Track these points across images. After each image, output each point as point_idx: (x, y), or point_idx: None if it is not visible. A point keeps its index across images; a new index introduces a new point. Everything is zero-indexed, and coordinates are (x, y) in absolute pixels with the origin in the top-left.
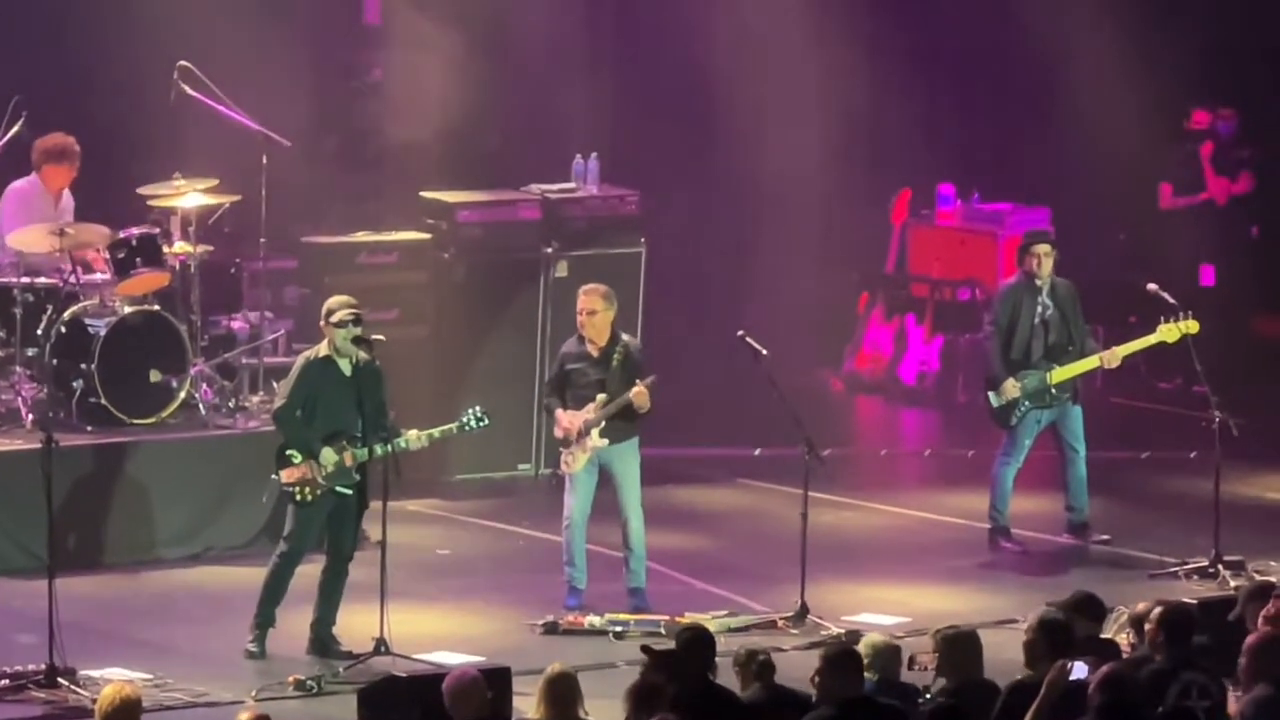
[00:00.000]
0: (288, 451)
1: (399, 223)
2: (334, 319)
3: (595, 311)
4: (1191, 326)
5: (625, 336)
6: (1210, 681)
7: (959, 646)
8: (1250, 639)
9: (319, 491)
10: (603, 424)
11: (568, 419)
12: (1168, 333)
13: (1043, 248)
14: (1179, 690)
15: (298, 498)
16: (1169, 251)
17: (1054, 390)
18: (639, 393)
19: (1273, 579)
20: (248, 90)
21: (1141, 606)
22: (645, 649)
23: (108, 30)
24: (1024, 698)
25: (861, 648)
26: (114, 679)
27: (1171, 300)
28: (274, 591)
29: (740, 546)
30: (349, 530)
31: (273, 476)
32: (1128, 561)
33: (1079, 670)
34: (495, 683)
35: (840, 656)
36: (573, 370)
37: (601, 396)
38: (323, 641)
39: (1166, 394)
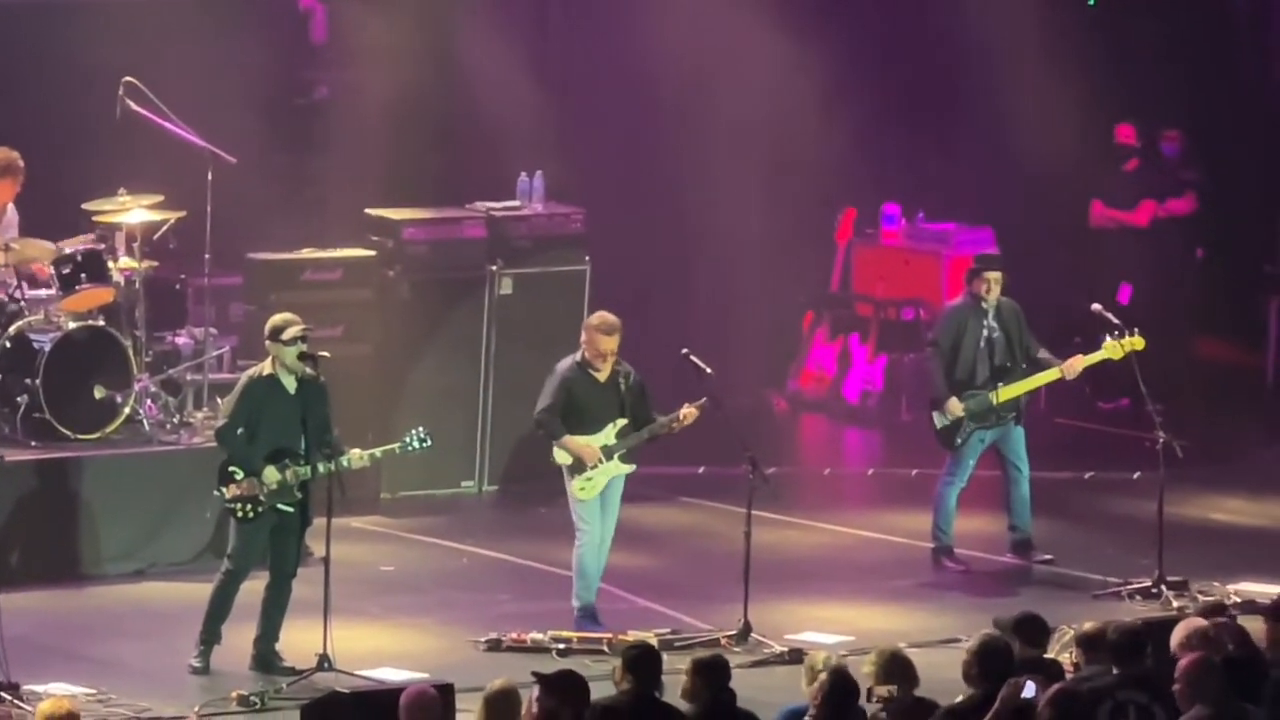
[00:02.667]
0: (230, 468)
1: (344, 240)
2: (284, 337)
3: (616, 352)
4: (1137, 343)
5: (624, 362)
6: (1155, 703)
7: (898, 666)
8: (1183, 662)
9: (261, 509)
10: (624, 450)
11: (585, 444)
12: (1112, 349)
13: (993, 275)
14: (1111, 708)
15: (239, 514)
16: (1099, 271)
17: (999, 410)
18: (689, 413)
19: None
20: (194, 107)
21: (1088, 626)
22: (535, 674)
23: (53, 45)
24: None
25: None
26: (57, 694)
27: (1115, 320)
28: (219, 608)
29: (684, 565)
30: (291, 547)
31: (215, 493)
32: (1071, 581)
33: (1028, 689)
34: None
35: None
36: (582, 395)
37: (621, 422)
38: (266, 658)
39: (1110, 414)
